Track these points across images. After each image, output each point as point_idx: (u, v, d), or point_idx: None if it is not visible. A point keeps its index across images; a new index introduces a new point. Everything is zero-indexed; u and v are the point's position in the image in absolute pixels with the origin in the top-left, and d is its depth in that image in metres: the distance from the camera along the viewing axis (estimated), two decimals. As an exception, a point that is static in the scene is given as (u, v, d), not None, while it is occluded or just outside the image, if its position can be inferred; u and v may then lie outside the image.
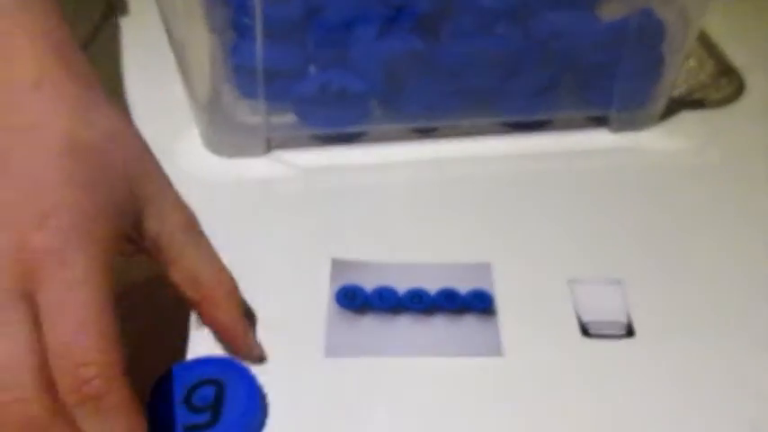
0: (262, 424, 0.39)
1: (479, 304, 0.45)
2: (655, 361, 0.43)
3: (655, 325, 0.44)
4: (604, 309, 0.45)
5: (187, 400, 0.39)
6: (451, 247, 0.49)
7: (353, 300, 0.45)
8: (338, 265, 0.47)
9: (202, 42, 0.52)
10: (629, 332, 0.44)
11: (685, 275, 0.48)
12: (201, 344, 0.43)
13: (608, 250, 0.49)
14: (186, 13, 0.50)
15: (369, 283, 0.46)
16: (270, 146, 0.56)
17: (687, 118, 0.60)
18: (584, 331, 0.44)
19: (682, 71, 0.59)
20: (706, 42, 0.64)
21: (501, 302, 0.45)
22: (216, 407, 0.38)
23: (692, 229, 0.51)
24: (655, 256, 0.49)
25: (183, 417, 0.38)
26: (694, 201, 0.53)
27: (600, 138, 0.58)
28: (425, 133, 0.58)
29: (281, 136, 0.56)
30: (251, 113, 0.55)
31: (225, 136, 0.56)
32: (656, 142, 0.58)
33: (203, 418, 0.38)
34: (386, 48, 0.53)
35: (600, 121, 0.59)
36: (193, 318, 0.44)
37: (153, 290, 0.46)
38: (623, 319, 0.45)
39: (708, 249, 0.49)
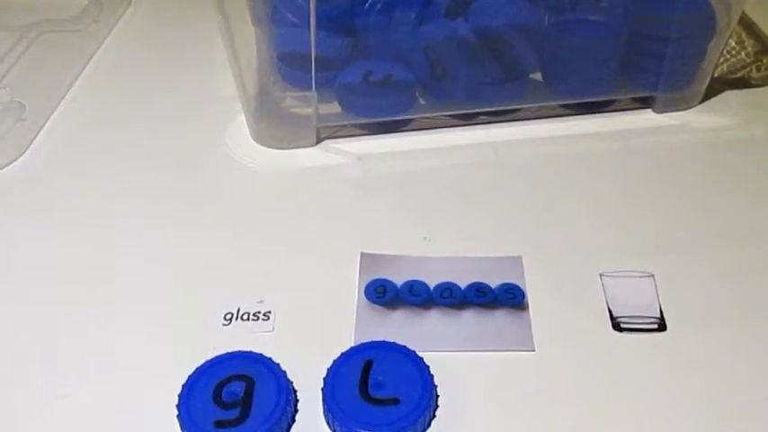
0: (291, 419, 0.40)
1: (511, 298, 0.45)
2: (687, 355, 0.42)
3: (687, 319, 0.44)
4: (636, 302, 0.44)
5: (217, 396, 0.39)
6: (482, 241, 0.49)
7: (383, 294, 0.45)
8: (367, 259, 0.47)
9: (249, 34, 0.52)
10: (662, 326, 0.43)
11: (720, 267, 0.47)
12: (231, 340, 0.43)
13: (640, 242, 0.48)
14: (232, 6, 0.49)
15: (398, 277, 0.46)
16: (319, 136, 0.56)
17: (729, 97, 0.60)
18: (616, 325, 0.44)
19: (723, 51, 0.58)
20: (745, 21, 0.63)
21: (532, 296, 0.45)
22: (246, 402, 0.38)
23: (729, 215, 0.50)
24: (688, 248, 0.48)
25: (212, 412, 0.38)
26: (737, 179, 0.53)
27: (644, 118, 0.59)
28: (467, 119, 0.58)
29: (326, 126, 0.56)
30: (298, 105, 0.54)
31: (273, 127, 0.56)
32: (699, 121, 0.58)
33: (233, 414, 0.38)
34: (427, 34, 0.52)
35: (644, 102, 0.59)
36: (219, 314, 0.45)
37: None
38: (655, 313, 0.44)
39: (746, 238, 0.49)
